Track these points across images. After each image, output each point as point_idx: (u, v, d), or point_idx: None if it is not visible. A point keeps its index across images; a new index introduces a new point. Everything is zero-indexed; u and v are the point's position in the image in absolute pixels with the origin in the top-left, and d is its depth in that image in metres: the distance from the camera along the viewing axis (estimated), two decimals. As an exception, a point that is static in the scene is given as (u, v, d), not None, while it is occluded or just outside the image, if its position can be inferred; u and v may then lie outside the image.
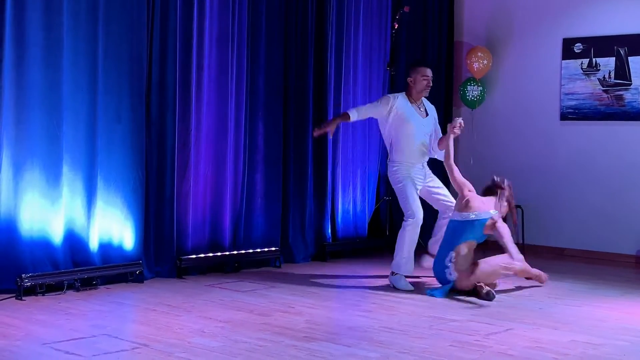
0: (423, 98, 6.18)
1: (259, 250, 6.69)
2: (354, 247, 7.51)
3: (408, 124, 6.03)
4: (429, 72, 6.10)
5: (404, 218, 6.02)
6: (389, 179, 6.19)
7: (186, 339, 4.34)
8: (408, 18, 7.89)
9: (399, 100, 6.07)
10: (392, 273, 5.98)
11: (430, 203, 6.29)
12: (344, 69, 7.43)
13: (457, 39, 8.52)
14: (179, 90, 6.18)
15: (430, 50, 8.22)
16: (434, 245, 6.18)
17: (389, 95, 6.28)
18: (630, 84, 7.46)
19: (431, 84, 6.13)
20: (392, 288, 5.93)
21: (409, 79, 6.15)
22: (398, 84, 7.95)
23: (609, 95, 7.58)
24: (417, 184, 6.04)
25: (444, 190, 6.20)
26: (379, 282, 6.22)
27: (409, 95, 6.12)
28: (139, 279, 5.86)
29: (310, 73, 7.11)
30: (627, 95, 7.47)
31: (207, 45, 6.38)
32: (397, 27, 7.65)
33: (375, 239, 7.77)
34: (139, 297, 5.47)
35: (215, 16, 6.45)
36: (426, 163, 6.18)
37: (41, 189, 5.44)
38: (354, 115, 6.04)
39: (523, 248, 7.36)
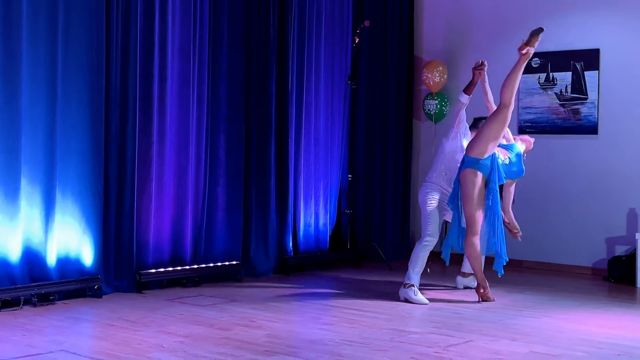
0: None
1: (219, 264, 6.65)
2: (315, 260, 7.50)
3: (460, 153, 6.15)
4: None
5: (422, 236, 6.10)
6: (419, 195, 6.23)
7: (145, 354, 4.28)
8: (369, 32, 7.95)
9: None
10: (405, 285, 6.01)
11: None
12: (306, 81, 7.45)
13: (417, 54, 8.59)
14: (139, 103, 6.13)
15: (390, 64, 8.28)
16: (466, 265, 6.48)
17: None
18: (586, 98, 7.59)
19: None
20: (355, 301, 5.93)
21: None
22: (359, 97, 8.00)
23: (565, 109, 7.70)
24: (444, 209, 6.18)
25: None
26: (340, 295, 6.21)
27: None
28: (97, 294, 5.79)
29: (273, 85, 7.10)
30: (584, 109, 7.60)
31: (169, 57, 6.34)
32: (358, 41, 7.71)
33: (336, 252, 7.78)
34: (97, 312, 5.39)
35: (177, 28, 6.42)
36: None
37: (-1, 203, 5.35)
38: (463, 97, 6.20)
39: (484, 261, 7.42)
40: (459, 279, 6.56)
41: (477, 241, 5.89)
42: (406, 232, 8.39)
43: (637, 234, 6.99)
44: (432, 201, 6.12)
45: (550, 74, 7.79)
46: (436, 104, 8.15)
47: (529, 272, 7.56)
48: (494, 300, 5.95)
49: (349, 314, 5.50)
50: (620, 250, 7.34)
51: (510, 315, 5.54)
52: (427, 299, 5.93)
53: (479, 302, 5.93)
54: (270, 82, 7.08)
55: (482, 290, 5.96)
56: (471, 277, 6.45)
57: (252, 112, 7.02)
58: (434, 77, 8.06)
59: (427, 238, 6.06)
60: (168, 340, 4.59)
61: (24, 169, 5.47)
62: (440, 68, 8.10)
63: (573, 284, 6.97)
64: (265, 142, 7.08)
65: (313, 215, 7.56)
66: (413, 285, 5.98)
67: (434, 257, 6.62)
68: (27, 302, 5.40)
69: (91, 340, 4.76)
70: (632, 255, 7.03)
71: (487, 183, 5.92)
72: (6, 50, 5.36)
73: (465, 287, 6.49)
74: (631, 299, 6.35)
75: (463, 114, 6.26)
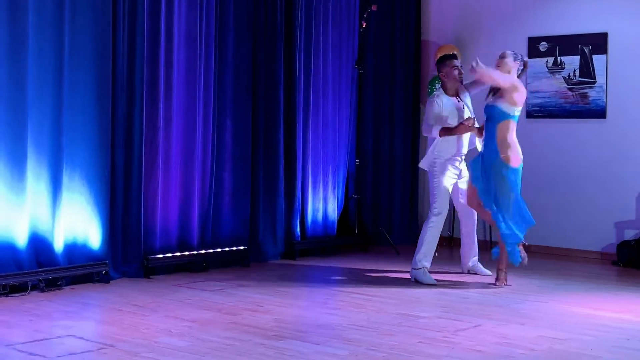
0: (460, 91, 6.23)
1: (227, 249, 6.62)
2: (323, 245, 7.47)
3: (449, 119, 6.08)
4: (456, 61, 6.21)
5: (429, 214, 6.10)
6: (428, 169, 6.21)
7: (153, 338, 4.26)
8: (376, 17, 7.87)
9: (442, 97, 6.14)
10: (414, 268, 6.04)
11: (454, 203, 6.35)
12: (313, 66, 7.38)
13: (424, 38, 8.52)
14: (146, 88, 6.09)
15: (398, 48, 8.21)
16: (465, 258, 6.42)
17: (431, 96, 6.26)
18: (594, 82, 7.51)
19: (462, 72, 6.20)
20: (362, 285, 5.90)
21: (440, 75, 6.23)
22: (366, 82, 7.94)
23: (573, 93, 7.62)
24: (452, 180, 6.12)
25: None
26: (348, 280, 6.18)
27: (445, 90, 6.19)
28: (105, 279, 5.76)
29: (280, 70, 7.04)
30: (592, 93, 7.52)
31: (175, 42, 6.29)
32: (365, 25, 7.64)
33: (344, 237, 7.74)
34: (104, 297, 5.38)
35: (183, 12, 6.36)
36: (464, 158, 6.20)
37: (5, 188, 5.33)
38: (435, 132, 6.05)
39: (490, 244, 7.39)
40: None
41: None
42: (414, 217, 8.34)
43: (646, 218, 6.93)
44: (437, 173, 6.08)
45: (558, 57, 7.70)
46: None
47: (537, 256, 7.50)
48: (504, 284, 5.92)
49: (356, 298, 5.47)
50: (630, 234, 7.28)
51: (518, 300, 5.50)
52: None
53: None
54: (277, 66, 7.02)
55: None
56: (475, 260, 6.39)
57: (259, 97, 6.96)
58: None
59: (432, 217, 6.05)
60: (176, 325, 4.57)
61: (30, 153, 5.44)
62: (455, 52, 8.03)
63: (582, 268, 6.92)
64: (273, 127, 7.03)
65: (321, 200, 7.52)
66: (422, 268, 5.98)
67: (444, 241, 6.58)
68: (35, 287, 5.38)
69: (99, 325, 4.75)
70: (641, 240, 6.99)
71: None
72: (12, 35, 5.32)
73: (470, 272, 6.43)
74: (640, 284, 6.31)
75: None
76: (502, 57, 5.97)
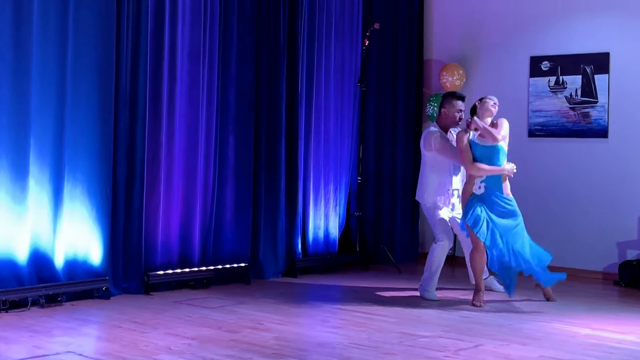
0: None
1: (228, 265, 6.59)
2: (324, 262, 7.43)
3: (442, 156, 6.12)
4: (461, 104, 6.20)
5: (435, 240, 6.18)
6: (420, 200, 6.28)
7: (153, 356, 4.23)
8: (378, 35, 7.89)
9: (439, 133, 6.14)
10: (422, 285, 6.18)
11: (454, 231, 6.36)
12: (316, 83, 7.39)
13: (427, 57, 8.52)
14: (149, 103, 6.09)
15: (400, 66, 8.22)
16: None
17: (432, 130, 6.19)
18: (596, 102, 7.50)
19: (462, 117, 6.21)
20: (363, 304, 5.86)
21: (442, 109, 6.22)
22: (368, 99, 7.94)
23: (575, 113, 7.61)
24: (447, 212, 6.19)
25: None
26: (349, 298, 6.15)
27: (440, 126, 6.19)
28: (105, 295, 5.73)
29: (283, 87, 7.05)
30: (594, 113, 7.51)
31: (179, 58, 6.31)
32: (368, 43, 7.65)
33: (345, 254, 7.70)
34: (104, 313, 5.34)
35: (187, 29, 6.38)
36: (454, 192, 6.23)
37: (7, 204, 5.31)
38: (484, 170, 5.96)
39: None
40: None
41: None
42: (415, 235, 8.31)
43: (648, 238, 6.90)
44: (436, 205, 6.16)
45: (560, 77, 7.70)
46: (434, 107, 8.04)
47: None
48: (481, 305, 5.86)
49: (357, 317, 5.43)
50: (632, 254, 7.24)
51: (520, 319, 5.46)
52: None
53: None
54: (280, 83, 7.03)
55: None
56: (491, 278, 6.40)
57: (261, 114, 6.96)
58: (454, 81, 7.99)
59: (438, 242, 6.15)
60: (176, 342, 4.54)
61: (33, 169, 5.44)
62: (461, 71, 8.04)
63: (584, 288, 6.88)
64: (275, 144, 7.02)
65: (322, 217, 7.49)
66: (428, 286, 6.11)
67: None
68: (35, 303, 5.36)
69: (98, 341, 4.71)
70: (642, 260, 6.95)
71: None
72: (16, 51, 5.34)
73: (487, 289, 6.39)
74: (642, 304, 6.26)
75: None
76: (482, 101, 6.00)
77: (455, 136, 6.18)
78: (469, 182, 5.97)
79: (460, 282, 6.74)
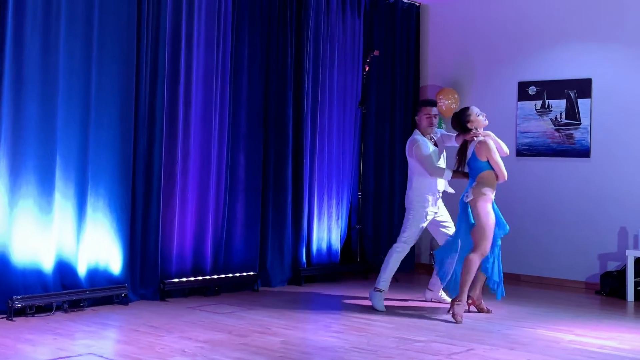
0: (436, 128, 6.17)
1: (238, 274, 6.61)
2: (327, 272, 7.44)
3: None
4: (434, 110, 6.07)
5: (398, 240, 6.05)
6: (406, 201, 6.14)
7: (167, 357, 4.25)
8: (378, 61, 7.94)
9: (420, 137, 6.04)
10: (375, 288, 5.99)
11: (433, 234, 6.29)
12: (320, 106, 7.43)
13: (423, 84, 8.56)
14: (166, 125, 6.14)
15: (398, 90, 8.26)
16: (434, 284, 6.26)
17: (415, 138, 6.07)
18: (579, 124, 7.53)
19: (435, 120, 6.06)
20: (363, 310, 5.87)
21: (416, 117, 6.15)
22: (369, 121, 7.98)
23: (560, 134, 7.64)
24: (428, 216, 6.03)
25: (449, 224, 6.15)
26: (349, 305, 6.16)
27: (420, 131, 6.10)
28: (124, 301, 5.76)
29: (289, 109, 7.09)
30: (577, 134, 7.55)
31: (194, 83, 6.36)
32: (368, 69, 7.70)
33: (346, 264, 7.71)
34: (123, 318, 5.36)
35: (202, 56, 6.43)
36: (440, 194, 6.11)
37: (34, 216, 5.35)
38: (448, 175, 5.91)
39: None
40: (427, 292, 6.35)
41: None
42: (412, 247, 8.28)
43: (627, 250, 6.90)
44: (413, 207, 6.03)
45: (546, 101, 7.74)
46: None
47: (526, 285, 7.47)
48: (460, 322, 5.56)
49: (357, 322, 5.45)
50: (612, 265, 7.24)
51: (508, 326, 5.46)
52: (426, 311, 5.85)
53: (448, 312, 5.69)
54: (287, 106, 7.07)
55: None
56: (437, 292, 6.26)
57: (270, 134, 7.01)
58: (450, 104, 8.04)
59: (400, 244, 6.03)
60: (189, 345, 4.55)
61: (58, 184, 5.48)
62: (456, 95, 8.10)
63: (567, 297, 6.88)
64: (282, 162, 7.06)
65: (326, 230, 7.52)
66: (383, 291, 5.95)
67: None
68: (59, 308, 5.38)
69: (117, 344, 4.73)
70: (622, 271, 6.94)
71: None
72: (44, 77, 5.40)
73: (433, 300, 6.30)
74: (622, 312, 6.26)
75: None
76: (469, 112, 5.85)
77: (436, 139, 6.07)
78: (490, 187, 5.68)
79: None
